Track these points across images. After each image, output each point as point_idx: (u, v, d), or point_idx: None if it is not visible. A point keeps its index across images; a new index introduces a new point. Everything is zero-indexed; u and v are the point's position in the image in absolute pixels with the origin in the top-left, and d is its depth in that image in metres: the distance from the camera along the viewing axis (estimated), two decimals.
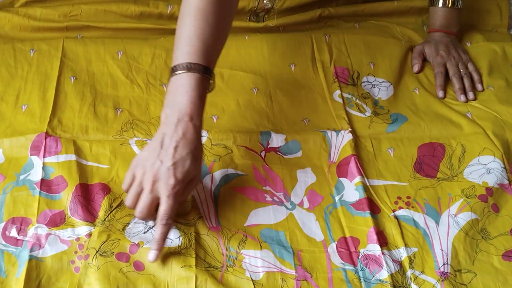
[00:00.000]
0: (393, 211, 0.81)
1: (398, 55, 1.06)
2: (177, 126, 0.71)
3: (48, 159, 0.80)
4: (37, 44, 0.98)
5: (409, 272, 0.74)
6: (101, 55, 0.98)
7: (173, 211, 0.70)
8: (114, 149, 0.84)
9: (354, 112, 0.94)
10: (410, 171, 0.87)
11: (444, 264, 0.75)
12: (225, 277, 0.71)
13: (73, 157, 0.81)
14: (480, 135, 0.92)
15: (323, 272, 0.73)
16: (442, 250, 0.76)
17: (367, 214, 0.79)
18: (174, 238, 0.74)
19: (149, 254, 0.69)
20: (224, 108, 0.93)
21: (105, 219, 0.75)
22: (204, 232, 0.75)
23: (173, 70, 0.74)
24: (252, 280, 0.71)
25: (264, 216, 0.79)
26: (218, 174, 0.83)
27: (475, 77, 1.03)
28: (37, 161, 0.80)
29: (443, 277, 0.73)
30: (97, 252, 0.71)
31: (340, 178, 0.84)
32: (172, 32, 1.04)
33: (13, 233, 0.73)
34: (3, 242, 0.72)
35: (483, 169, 0.87)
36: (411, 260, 0.75)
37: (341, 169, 0.85)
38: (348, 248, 0.76)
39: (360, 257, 0.75)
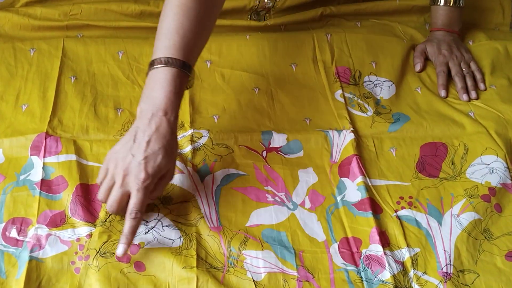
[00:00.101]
0: (395, 211, 0.80)
1: (400, 54, 1.05)
2: (151, 121, 0.71)
3: (48, 159, 0.80)
4: (37, 44, 0.98)
5: (411, 273, 0.73)
6: (101, 55, 0.98)
7: (143, 205, 0.69)
8: None
9: (356, 112, 0.94)
10: (413, 171, 0.86)
11: (446, 265, 0.74)
12: (226, 278, 0.71)
13: (73, 157, 0.81)
14: (483, 134, 0.91)
15: (325, 272, 0.73)
16: (444, 250, 0.76)
17: (369, 214, 0.78)
18: (175, 239, 0.74)
19: (117, 249, 0.69)
20: (225, 108, 0.92)
21: (105, 220, 0.74)
22: (205, 232, 0.75)
23: (151, 64, 0.74)
24: (253, 280, 0.71)
25: (265, 216, 0.78)
26: (219, 174, 0.83)
27: (478, 76, 1.03)
28: (37, 161, 0.80)
29: (445, 278, 0.73)
30: (97, 252, 0.71)
31: (342, 178, 0.84)
32: None
33: (13, 233, 0.72)
34: (3, 243, 0.71)
35: (486, 169, 0.86)
36: (414, 260, 0.75)
37: (343, 169, 0.85)
38: (350, 249, 0.76)
39: (362, 257, 0.75)
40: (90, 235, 0.73)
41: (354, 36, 1.07)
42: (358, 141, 0.88)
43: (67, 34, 1.03)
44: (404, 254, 0.75)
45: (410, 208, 0.81)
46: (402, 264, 0.74)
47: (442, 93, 1.00)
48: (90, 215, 0.75)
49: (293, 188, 0.82)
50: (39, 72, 0.94)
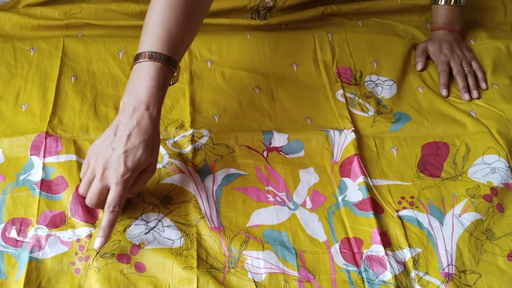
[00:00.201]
0: (397, 211, 0.80)
1: (401, 53, 1.05)
2: (132, 115, 0.70)
3: (48, 159, 0.80)
4: (37, 43, 0.98)
5: (413, 273, 0.73)
6: (101, 55, 0.97)
7: (122, 199, 0.69)
8: None
9: (357, 112, 0.93)
10: (414, 170, 0.86)
11: (448, 265, 0.74)
12: (227, 279, 0.70)
13: (73, 157, 0.80)
14: (485, 134, 0.91)
15: (326, 273, 0.73)
16: (446, 250, 0.76)
17: (370, 215, 0.78)
18: (176, 239, 0.74)
19: (95, 242, 0.68)
20: (225, 107, 0.92)
21: None
22: (206, 232, 0.75)
23: (136, 58, 0.73)
24: (254, 281, 0.70)
25: (266, 216, 0.78)
26: (219, 174, 0.82)
27: (479, 75, 1.02)
28: (37, 161, 0.80)
29: (447, 278, 0.73)
30: (97, 253, 0.70)
31: (343, 178, 0.84)
32: None
33: (13, 234, 0.72)
34: (3, 243, 0.71)
35: (488, 169, 0.86)
36: (415, 261, 0.74)
37: (344, 169, 0.84)
38: (351, 249, 0.75)
39: (363, 258, 0.74)
40: (90, 236, 0.72)
41: (355, 36, 1.06)
42: (359, 141, 0.88)
43: (67, 33, 1.03)
44: (406, 254, 0.75)
45: (411, 208, 0.81)
46: (403, 264, 0.74)
47: (444, 92, 0.99)
48: (90, 215, 0.75)
49: (294, 188, 0.82)
50: (39, 72, 0.94)
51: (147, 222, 0.75)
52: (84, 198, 0.76)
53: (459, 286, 0.72)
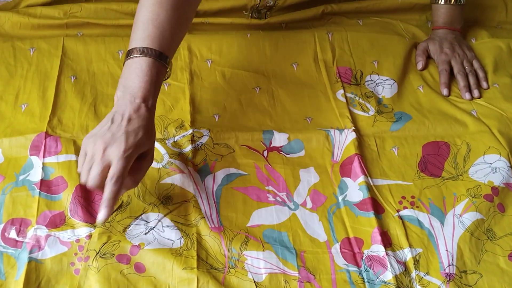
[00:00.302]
0: (398, 211, 0.80)
1: (402, 52, 1.05)
2: (128, 105, 0.70)
3: (48, 159, 0.80)
4: (37, 43, 0.98)
5: (413, 273, 0.73)
6: (101, 54, 0.97)
7: (124, 173, 0.66)
8: None
9: (357, 112, 0.93)
10: (415, 170, 0.86)
11: (449, 265, 0.74)
12: (227, 279, 0.70)
13: (73, 157, 0.80)
14: (486, 133, 0.90)
15: (326, 273, 0.72)
16: (447, 250, 0.75)
17: (371, 215, 0.78)
18: (176, 239, 0.73)
19: (98, 215, 0.66)
20: (226, 107, 0.92)
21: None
22: (206, 233, 0.74)
23: (128, 54, 0.73)
24: (254, 281, 0.70)
25: (266, 216, 0.78)
26: (220, 174, 0.82)
27: (480, 74, 1.02)
28: (37, 161, 0.80)
29: (448, 279, 0.72)
30: (97, 253, 0.70)
31: (344, 178, 0.83)
32: None
33: (13, 234, 0.72)
34: (2, 244, 0.71)
35: (489, 168, 0.86)
36: (416, 261, 0.74)
37: (345, 169, 0.84)
38: (352, 249, 0.75)
39: (364, 258, 0.74)
40: (89, 236, 0.72)
41: (355, 35, 1.06)
42: (360, 140, 0.88)
43: (66, 32, 1.03)
44: (406, 254, 0.75)
45: (412, 208, 0.80)
46: (404, 264, 0.74)
47: (445, 91, 0.99)
48: (90, 215, 0.75)
49: (294, 188, 0.82)
50: (39, 72, 0.93)
51: (147, 222, 0.75)
52: (84, 198, 0.76)
53: (460, 286, 0.72)
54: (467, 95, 0.98)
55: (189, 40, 1.01)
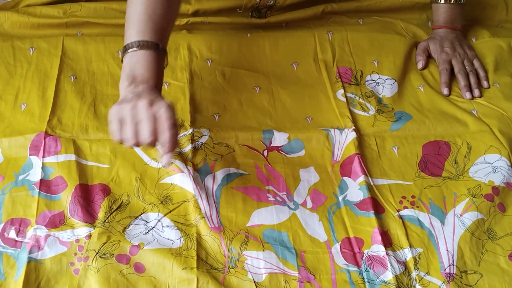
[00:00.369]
0: (398, 211, 0.79)
1: (402, 52, 1.04)
2: (139, 86, 0.71)
3: (48, 159, 0.80)
4: (36, 42, 0.97)
5: (414, 273, 0.73)
6: (101, 54, 0.97)
7: (174, 119, 0.68)
8: (114, 148, 0.83)
9: (357, 111, 0.93)
10: (415, 170, 0.86)
11: (449, 265, 0.74)
12: (227, 279, 0.70)
13: (72, 157, 0.80)
14: (486, 133, 0.90)
15: (326, 273, 0.72)
16: (447, 250, 0.75)
17: (371, 214, 0.78)
18: (175, 239, 0.73)
19: (162, 159, 0.67)
20: (226, 107, 0.92)
21: (105, 221, 0.74)
22: (206, 232, 0.74)
23: (126, 49, 0.74)
24: (254, 282, 0.70)
25: (266, 216, 0.78)
26: (219, 174, 0.82)
27: (481, 74, 1.02)
28: (37, 161, 0.79)
29: (448, 278, 0.72)
30: (97, 254, 0.70)
31: (344, 178, 0.83)
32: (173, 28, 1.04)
33: (12, 234, 0.72)
34: (2, 244, 0.71)
35: (489, 168, 0.85)
36: (416, 261, 0.74)
37: (345, 169, 0.84)
38: (352, 249, 0.75)
39: (364, 258, 0.74)
40: (89, 236, 0.72)
41: (355, 35, 1.06)
42: (360, 140, 0.88)
43: (66, 32, 1.03)
44: (407, 254, 0.75)
45: (412, 207, 0.80)
46: (404, 264, 0.74)
47: (445, 91, 0.99)
48: (89, 215, 0.74)
49: (295, 187, 0.82)
50: (38, 71, 0.93)
51: (147, 222, 0.75)
52: (83, 198, 0.76)
53: (461, 286, 0.72)
54: (468, 95, 0.98)
55: (189, 39, 1.01)
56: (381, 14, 1.14)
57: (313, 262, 0.73)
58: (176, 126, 0.67)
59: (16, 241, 0.71)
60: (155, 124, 0.67)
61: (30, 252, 0.70)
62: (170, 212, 0.77)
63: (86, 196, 0.77)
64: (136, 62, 0.72)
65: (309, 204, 0.80)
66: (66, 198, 0.76)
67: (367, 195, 0.80)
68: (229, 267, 0.71)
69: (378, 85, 0.98)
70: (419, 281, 0.72)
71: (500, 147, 0.88)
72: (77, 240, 0.72)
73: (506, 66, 1.05)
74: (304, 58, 1.01)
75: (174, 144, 0.67)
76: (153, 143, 0.68)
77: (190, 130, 0.86)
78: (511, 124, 0.92)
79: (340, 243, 0.76)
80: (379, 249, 0.74)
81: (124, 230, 0.73)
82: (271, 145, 0.87)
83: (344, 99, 0.94)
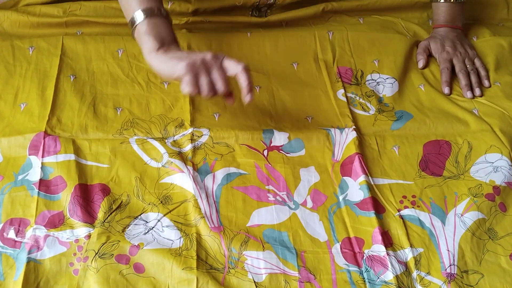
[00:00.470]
0: (398, 210, 0.79)
1: (403, 51, 1.04)
2: (170, 47, 0.78)
3: (47, 159, 0.79)
4: (36, 42, 0.97)
5: (414, 273, 0.72)
6: (101, 53, 0.97)
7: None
8: (114, 148, 0.83)
9: (358, 111, 0.92)
10: (416, 169, 0.85)
11: (450, 265, 0.73)
12: (227, 279, 0.70)
13: (72, 156, 0.80)
14: (487, 132, 0.90)
15: (327, 273, 0.72)
16: (448, 250, 0.75)
17: (371, 214, 0.77)
18: (175, 239, 0.73)
19: (246, 97, 0.76)
20: (225, 106, 0.91)
21: (104, 221, 0.74)
22: (206, 232, 0.74)
23: (132, 23, 0.79)
24: (254, 282, 0.70)
25: (266, 216, 0.78)
26: (219, 173, 0.82)
27: (482, 73, 1.01)
28: (36, 161, 0.79)
29: (449, 279, 0.72)
30: (96, 254, 0.70)
31: (344, 177, 0.83)
32: (173, 27, 1.04)
33: (11, 234, 0.72)
34: (1, 244, 0.71)
35: (490, 167, 0.85)
36: (417, 261, 0.74)
37: (345, 168, 0.84)
38: (353, 249, 0.75)
39: (364, 258, 0.74)
40: (88, 236, 0.72)
41: (356, 34, 1.06)
42: (361, 140, 0.87)
43: (66, 31, 1.02)
44: (407, 254, 0.74)
45: (413, 207, 0.80)
46: (405, 264, 0.73)
47: (446, 90, 0.99)
48: (89, 215, 0.74)
49: (295, 187, 0.81)
50: (38, 71, 0.93)
51: (146, 222, 0.75)
52: (83, 198, 0.75)
53: (461, 286, 0.72)
54: (469, 94, 0.98)
55: (189, 38, 1.01)
56: (382, 13, 1.14)
57: (314, 262, 0.73)
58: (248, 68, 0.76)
59: (15, 241, 0.71)
60: (225, 73, 0.76)
61: (29, 252, 0.69)
62: (170, 212, 0.76)
63: (85, 196, 0.76)
64: (158, 27, 0.78)
65: (310, 204, 0.80)
66: (65, 198, 0.75)
67: (367, 194, 0.80)
68: (229, 267, 0.71)
69: (378, 85, 0.98)
70: (420, 281, 0.72)
71: (501, 146, 0.87)
72: (77, 240, 0.72)
73: (507, 65, 1.05)
74: (304, 58, 1.01)
75: (251, 84, 0.76)
76: (227, 91, 0.76)
77: (190, 130, 0.86)
78: None
79: (340, 243, 0.76)
80: (379, 249, 0.74)
81: (123, 230, 0.73)
82: (271, 145, 0.86)
83: (344, 99, 0.94)
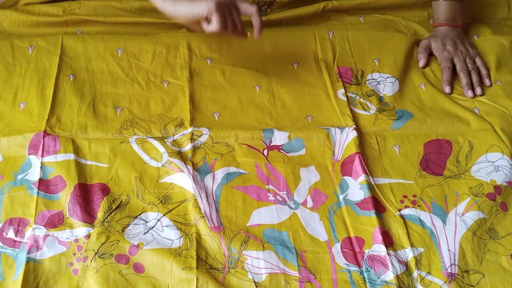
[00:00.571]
0: (399, 210, 0.79)
1: (403, 50, 1.04)
2: None
3: (47, 159, 0.79)
4: (35, 41, 0.97)
5: (415, 273, 0.72)
6: (100, 52, 0.97)
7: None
8: (113, 148, 0.83)
9: (358, 111, 0.92)
10: (416, 168, 0.85)
11: (451, 265, 0.73)
12: (226, 279, 0.70)
13: (71, 156, 0.80)
14: (488, 131, 0.90)
15: (327, 273, 0.72)
16: (449, 250, 0.75)
17: (372, 214, 0.77)
18: (175, 239, 0.73)
19: (256, 35, 0.85)
20: (225, 105, 0.91)
21: (104, 220, 0.73)
22: (206, 232, 0.74)
23: None
24: (254, 282, 0.70)
25: (266, 215, 0.77)
26: (219, 173, 0.82)
27: (483, 72, 1.01)
28: (35, 161, 0.79)
29: (450, 278, 0.72)
30: (96, 254, 0.70)
31: (345, 177, 0.83)
32: (173, 26, 1.04)
33: (11, 234, 0.71)
34: (1, 244, 0.71)
35: (491, 167, 0.85)
36: (418, 260, 0.73)
37: (346, 168, 0.84)
38: (353, 249, 0.75)
39: (365, 257, 0.73)
40: (88, 236, 0.72)
41: (356, 34, 1.05)
42: (361, 139, 0.87)
43: (65, 30, 1.02)
44: (408, 254, 0.74)
45: (413, 207, 0.80)
46: (405, 264, 0.73)
47: (447, 89, 0.98)
48: (89, 215, 0.74)
49: (295, 187, 0.81)
50: (37, 70, 0.93)
51: (146, 221, 0.75)
52: (83, 198, 0.75)
53: (462, 286, 0.71)
54: (470, 93, 0.98)
55: (189, 38, 1.01)
56: (382, 12, 1.13)
57: (314, 262, 0.73)
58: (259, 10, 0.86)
59: (15, 241, 0.71)
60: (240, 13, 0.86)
61: (28, 252, 0.69)
62: (170, 211, 0.76)
63: (85, 195, 0.76)
64: None
65: (310, 203, 0.80)
66: (65, 198, 0.75)
67: (368, 194, 0.79)
68: (229, 267, 0.71)
69: (379, 84, 0.98)
70: (421, 281, 0.71)
71: (502, 145, 0.87)
72: (76, 240, 0.72)
73: (508, 64, 1.04)
74: (304, 58, 1.00)
75: (262, 23, 0.85)
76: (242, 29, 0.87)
77: (190, 129, 0.85)
78: None
79: (340, 242, 0.75)
80: (380, 249, 0.74)
81: (123, 230, 0.73)
82: (271, 144, 0.86)
83: (344, 98, 0.93)
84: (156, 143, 0.83)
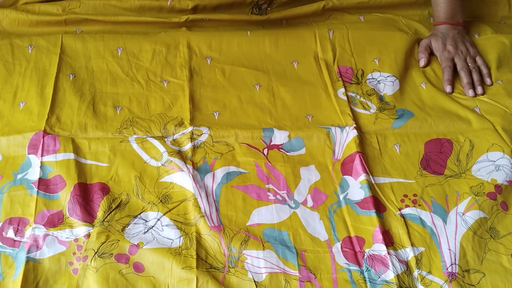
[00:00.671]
0: (399, 209, 0.79)
1: (404, 49, 1.04)
2: None
3: (46, 158, 0.79)
4: (35, 40, 0.97)
5: (415, 273, 0.72)
6: (100, 52, 0.96)
7: None
8: (113, 147, 0.83)
9: (358, 110, 0.92)
10: (417, 168, 0.85)
11: (452, 264, 0.73)
12: (226, 279, 0.70)
13: (71, 155, 0.80)
14: (489, 130, 0.89)
15: (327, 272, 0.72)
16: (449, 249, 0.75)
17: (372, 213, 0.77)
18: (175, 238, 0.73)
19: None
20: (225, 104, 0.91)
21: (104, 220, 0.73)
22: (206, 231, 0.74)
23: None
24: (254, 281, 0.69)
25: (266, 215, 0.77)
26: (219, 172, 0.81)
27: (484, 71, 1.01)
28: (35, 160, 0.79)
29: (451, 278, 0.72)
30: (95, 253, 0.70)
31: (345, 176, 0.83)
32: (173, 25, 1.04)
33: (10, 234, 0.71)
34: (0, 243, 0.70)
35: (492, 166, 0.85)
36: (418, 260, 0.73)
37: (346, 167, 0.83)
38: (353, 248, 0.74)
39: (365, 257, 0.73)
40: (88, 236, 0.72)
41: (356, 33, 1.05)
42: (361, 138, 0.87)
43: (65, 29, 1.02)
44: (408, 253, 0.74)
45: (414, 206, 0.80)
46: (406, 263, 0.73)
47: (448, 88, 0.98)
48: (88, 215, 0.74)
49: (295, 186, 0.81)
50: (37, 69, 0.93)
51: (146, 221, 0.75)
52: (82, 197, 0.75)
53: (463, 285, 0.71)
54: (471, 92, 0.97)
55: (188, 37, 1.01)
56: (383, 11, 1.13)
57: (314, 261, 0.73)
58: None
59: (15, 240, 0.71)
60: None
61: (28, 252, 0.69)
62: (170, 211, 0.76)
63: (85, 195, 0.76)
64: None
65: (310, 202, 0.79)
66: (64, 197, 0.75)
67: (368, 193, 0.79)
68: (229, 267, 0.71)
69: (379, 83, 0.97)
70: (421, 281, 0.71)
71: (503, 145, 0.87)
72: (76, 240, 0.71)
73: (509, 63, 1.04)
74: (304, 57, 1.00)
75: None
76: None
77: (190, 128, 0.85)
78: None
79: (341, 242, 0.75)
80: (380, 248, 0.74)
81: (123, 229, 0.73)
82: (271, 143, 0.86)
83: (345, 98, 0.93)
84: (156, 143, 0.83)
